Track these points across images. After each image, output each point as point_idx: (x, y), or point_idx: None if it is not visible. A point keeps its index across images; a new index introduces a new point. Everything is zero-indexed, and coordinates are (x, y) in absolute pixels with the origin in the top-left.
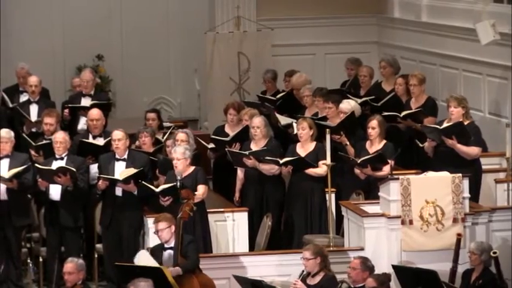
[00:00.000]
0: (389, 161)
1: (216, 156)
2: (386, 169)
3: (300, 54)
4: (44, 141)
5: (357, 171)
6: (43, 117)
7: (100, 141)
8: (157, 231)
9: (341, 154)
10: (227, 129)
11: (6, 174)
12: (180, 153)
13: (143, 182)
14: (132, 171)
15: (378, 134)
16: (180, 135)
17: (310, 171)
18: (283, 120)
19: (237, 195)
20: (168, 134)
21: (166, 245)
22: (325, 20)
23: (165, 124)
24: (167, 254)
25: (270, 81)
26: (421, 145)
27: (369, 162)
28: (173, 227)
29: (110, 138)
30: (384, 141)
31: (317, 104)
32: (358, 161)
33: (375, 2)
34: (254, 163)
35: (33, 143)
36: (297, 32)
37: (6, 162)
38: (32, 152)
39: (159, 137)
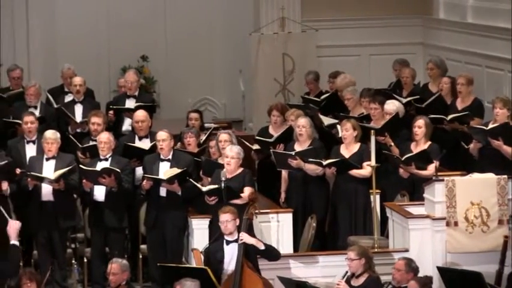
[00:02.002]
0: (434, 161)
1: (260, 158)
2: (431, 168)
3: (345, 55)
4: (91, 143)
5: (400, 170)
6: (90, 117)
7: (146, 143)
8: (223, 222)
9: (385, 152)
10: (271, 131)
11: (53, 175)
12: (235, 152)
13: (191, 180)
14: (176, 171)
15: (424, 134)
16: (223, 135)
17: (355, 172)
18: (327, 121)
19: (282, 196)
20: (207, 135)
21: (229, 238)
22: (370, 21)
23: (207, 125)
24: (230, 248)
25: (312, 83)
26: (466, 147)
27: (413, 160)
28: (237, 221)
29: (155, 142)
30: (429, 142)
31: (364, 104)
32: (403, 159)
33: (420, 3)
34: (299, 163)
35: (79, 144)
36: (342, 33)
37: (52, 163)
38: (79, 154)
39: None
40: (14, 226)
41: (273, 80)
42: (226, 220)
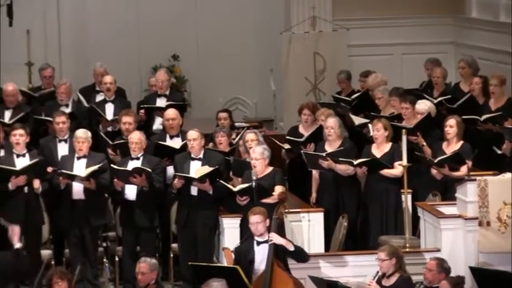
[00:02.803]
0: (467, 161)
1: (291, 157)
2: (463, 169)
3: (376, 54)
4: (121, 140)
5: (433, 171)
6: (121, 116)
7: (177, 142)
8: (253, 224)
9: (418, 154)
10: (301, 130)
11: (83, 172)
12: (258, 153)
13: (221, 181)
14: (208, 169)
15: (456, 133)
16: (250, 135)
17: (386, 172)
18: (358, 120)
19: (313, 195)
20: (240, 134)
21: (259, 239)
22: (401, 20)
23: (238, 124)
24: (261, 249)
25: (345, 82)
26: (499, 152)
27: (446, 162)
28: (268, 221)
29: (185, 141)
30: (461, 142)
31: (393, 103)
32: (435, 161)
33: (452, 2)
34: (330, 164)
35: (110, 141)
36: (373, 32)
37: (83, 162)
38: (109, 151)
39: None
40: (15, 230)
41: (304, 79)
42: (257, 222)
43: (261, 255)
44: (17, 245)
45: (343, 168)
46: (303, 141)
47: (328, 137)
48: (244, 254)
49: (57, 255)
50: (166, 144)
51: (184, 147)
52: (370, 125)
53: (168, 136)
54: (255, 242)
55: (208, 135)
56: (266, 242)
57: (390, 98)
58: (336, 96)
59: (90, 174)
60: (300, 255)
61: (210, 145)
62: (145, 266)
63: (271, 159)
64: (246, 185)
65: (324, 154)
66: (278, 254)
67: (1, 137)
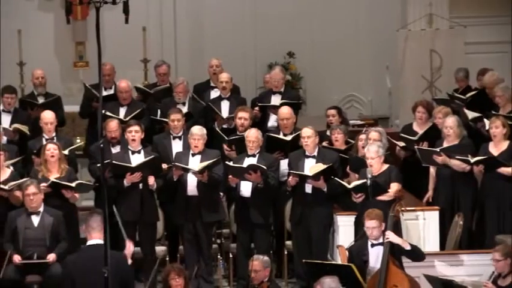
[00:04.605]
0: None
1: (406, 155)
2: None
3: (494, 52)
4: (236, 136)
5: None
6: (237, 112)
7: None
8: (368, 228)
9: None
10: (415, 127)
11: (197, 167)
12: (373, 152)
13: (336, 179)
14: (322, 167)
15: None
16: (373, 133)
17: (503, 170)
18: (471, 115)
19: (430, 193)
20: (364, 132)
21: (374, 241)
22: None
23: (352, 122)
24: (375, 250)
25: (463, 80)
26: None
27: None
28: (383, 225)
29: (297, 133)
30: None
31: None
32: None
33: None
34: (445, 159)
35: (226, 137)
36: (490, 29)
37: (198, 158)
38: (225, 147)
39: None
40: (130, 249)
41: (420, 76)
42: (373, 227)
43: (375, 257)
44: (129, 261)
45: (457, 164)
46: (416, 140)
47: (447, 137)
48: (358, 254)
49: (171, 251)
50: (277, 137)
51: (295, 139)
52: (485, 120)
53: (281, 134)
54: (369, 244)
55: (323, 132)
56: (380, 244)
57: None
58: (450, 94)
59: (203, 168)
60: (416, 254)
61: (325, 142)
62: (258, 263)
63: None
64: (361, 181)
65: (438, 149)
66: (393, 252)
67: (119, 133)
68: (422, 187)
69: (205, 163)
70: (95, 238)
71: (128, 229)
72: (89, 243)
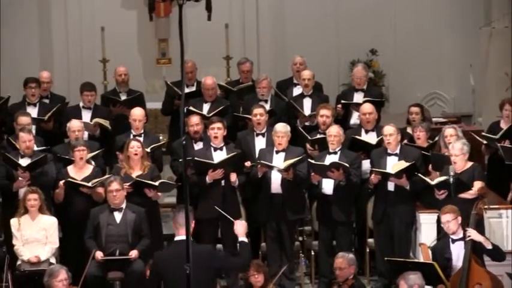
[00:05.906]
0: None
1: (490, 153)
2: None
3: None
4: (319, 136)
5: None
6: (319, 110)
7: (372, 136)
8: (444, 223)
9: None
10: (502, 125)
11: (282, 165)
12: (458, 149)
13: (419, 175)
14: (404, 164)
15: None
16: (449, 130)
17: None
18: None
19: None
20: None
21: (454, 237)
22: None
23: (435, 119)
24: (457, 246)
25: None
26: None
27: None
28: (459, 219)
29: (381, 136)
30: None
31: None
32: None
33: None
34: None
35: (309, 137)
36: None
37: (281, 156)
38: (308, 146)
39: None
40: (242, 224)
41: (503, 74)
42: (447, 220)
43: (456, 253)
44: (241, 238)
45: None
46: (497, 138)
47: None
48: (440, 252)
49: (253, 248)
50: (362, 139)
51: (380, 142)
52: None
53: (363, 130)
54: (450, 240)
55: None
56: (461, 239)
57: None
58: None
59: (288, 166)
60: (497, 254)
61: (405, 140)
62: (343, 261)
63: (470, 155)
64: (444, 177)
65: None
66: (475, 250)
67: (201, 128)
68: (507, 186)
69: (291, 161)
70: (182, 234)
71: (209, 226)
72: (176, 238)
